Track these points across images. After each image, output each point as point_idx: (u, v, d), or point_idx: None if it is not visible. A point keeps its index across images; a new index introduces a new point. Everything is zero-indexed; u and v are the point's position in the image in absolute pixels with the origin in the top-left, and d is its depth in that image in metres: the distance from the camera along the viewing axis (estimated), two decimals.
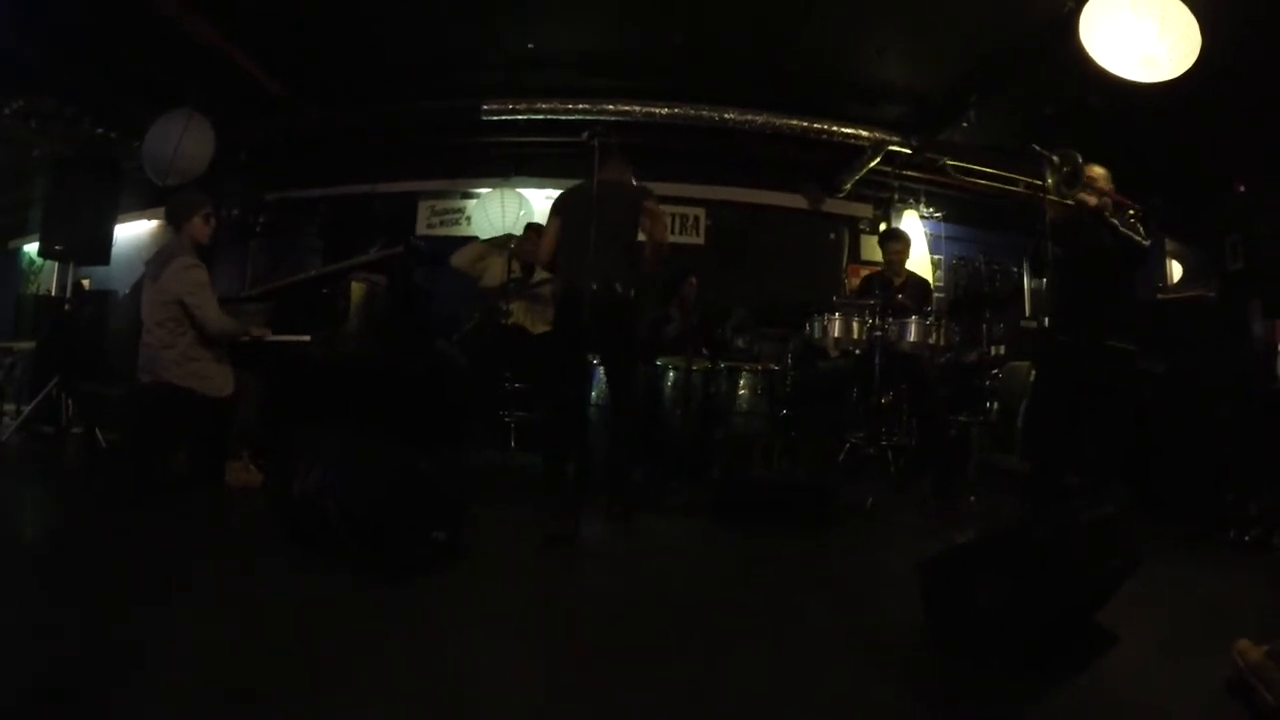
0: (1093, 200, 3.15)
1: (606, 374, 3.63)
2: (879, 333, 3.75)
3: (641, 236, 3.30)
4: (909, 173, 6.53)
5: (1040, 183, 3.16)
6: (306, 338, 3.67)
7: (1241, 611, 2.21)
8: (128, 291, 5.14)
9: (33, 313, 6.62)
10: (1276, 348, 4.11)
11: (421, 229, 6.90)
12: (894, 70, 5.22)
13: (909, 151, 5.91)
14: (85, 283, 6.32)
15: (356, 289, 3.82)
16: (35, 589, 2.00)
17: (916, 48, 4.91)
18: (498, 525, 2.85)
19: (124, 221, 6.00)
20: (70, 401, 4.47)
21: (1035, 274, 4.18)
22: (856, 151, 6.11)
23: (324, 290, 3.87)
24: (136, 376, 3.36)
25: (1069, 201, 3.15)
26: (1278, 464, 3.24)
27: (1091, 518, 1.91)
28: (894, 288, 4.18)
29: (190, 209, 3.49)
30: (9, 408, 5.08)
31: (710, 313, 5.25)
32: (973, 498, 3.76)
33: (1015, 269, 6.74)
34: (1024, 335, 5.92)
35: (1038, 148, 3.09)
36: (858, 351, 3.94)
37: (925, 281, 4.60)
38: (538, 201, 6.35)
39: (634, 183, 3.46)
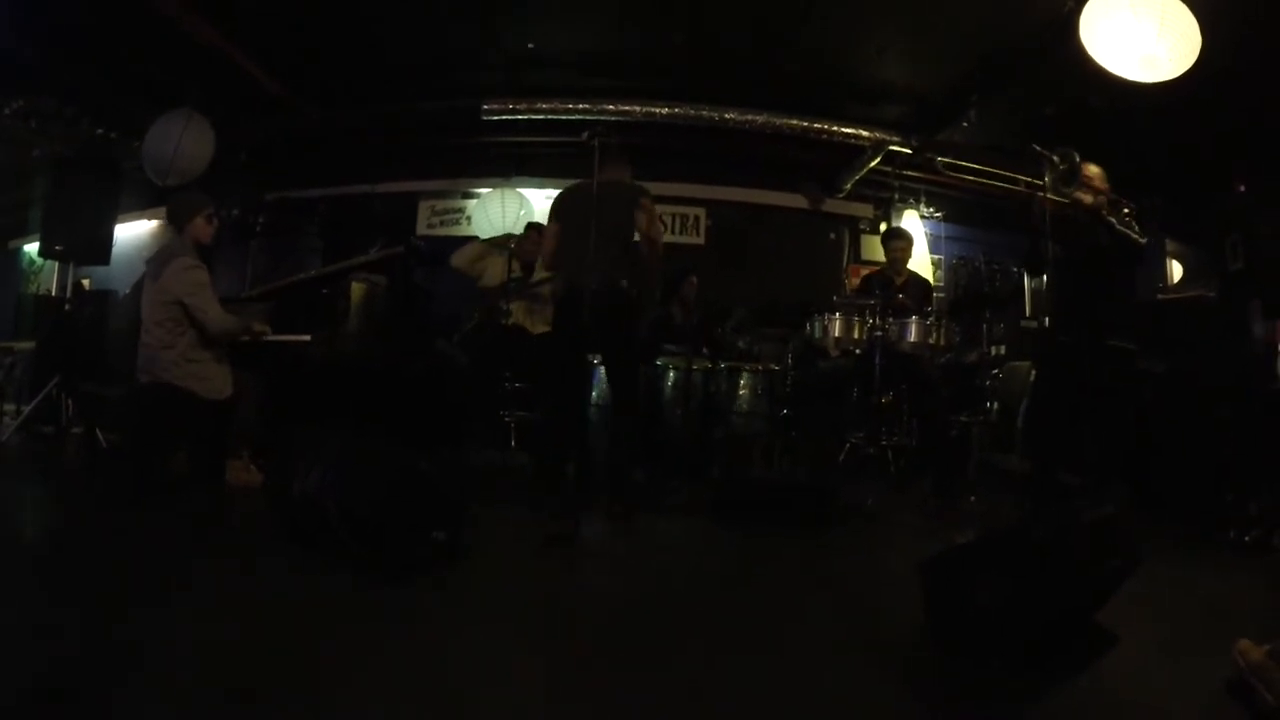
0: (1089, 199, 3.15)
1: (607, 374, 3.63)
2: (879, 333, 3.75)
3: (636, 236, 3.31)
4: (909, 172, 6.54)
5: (1040, 183, 3.16)
6: (306, 338, 3.66)
7: (1242, 612, 2.20)
8: (128, 291, 5.14)
9: (33, 313, 6.61)
10: (1276, 348, 4.11)
11: (421, 229, 6.90)
12: (894, 70, 5.22)
13: (909, 151, 5.92)
14: (85, 283, 6.33)
15: (356, 289, 3.83)
16: (35, 589, 2.00)
17: (916, 48, 4.91)
18: (498, 525, 2.85)
19: (124, 221, 6.00)
20: (70, 401, 4.46)
21: (1031, 275, 4.19)
22: (857, 151, 6.11)
23: (324, 290, 3.88)
24: (135, 376, 3.36)
25: (1065, 200, 3.15)
26: (1278, 464, 3.24)
27: (1092, 518, 1.91)
28: (895, 287, 4.18)
29: (192, 209, 3.49)
30: (9, 408, 5.07)
31: (710, 313, 5.26)
32: (973, 498, 3.76)
33: (1015, 269, 6.73)
34: (1024, 335, 5.93)
35: (1038, 148, 3.09)
36: (858, 351, 3.94)
37: (926, 281, 4.60)
38: (538, 201, 6.35)
39: (630, 182, 3.47)
